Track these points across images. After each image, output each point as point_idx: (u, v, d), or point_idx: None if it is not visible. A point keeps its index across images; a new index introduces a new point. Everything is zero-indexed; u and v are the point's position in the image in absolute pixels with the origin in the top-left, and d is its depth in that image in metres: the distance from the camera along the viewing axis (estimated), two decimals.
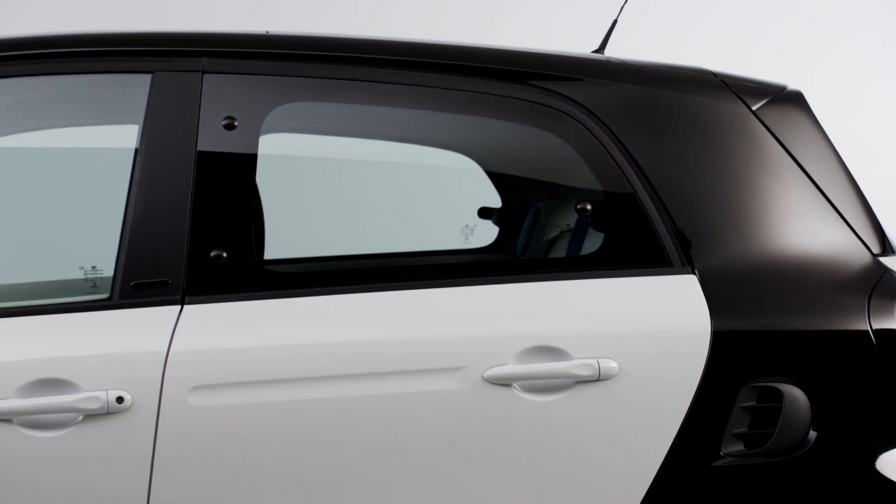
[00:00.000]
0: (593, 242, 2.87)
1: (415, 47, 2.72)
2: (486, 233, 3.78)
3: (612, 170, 2.62)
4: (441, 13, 5.97)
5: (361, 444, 2.43)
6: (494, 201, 3.72)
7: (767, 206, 2.62)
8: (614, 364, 2.48)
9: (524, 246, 3.48)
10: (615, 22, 3.26)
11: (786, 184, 2.65)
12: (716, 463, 2.49)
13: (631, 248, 2.58)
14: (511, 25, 5.95)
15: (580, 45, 3.32)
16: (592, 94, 2.66)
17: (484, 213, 3.79)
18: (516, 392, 2.47)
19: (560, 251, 3.23)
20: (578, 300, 2.53)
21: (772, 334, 2.52)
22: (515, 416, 2.46)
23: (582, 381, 2.47)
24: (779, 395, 2.49)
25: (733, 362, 2.49)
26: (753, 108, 2.71)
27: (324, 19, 5.76)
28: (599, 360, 2.47)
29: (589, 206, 2.65)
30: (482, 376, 2.46)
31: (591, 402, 2.47)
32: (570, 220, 3.23)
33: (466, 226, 3.91)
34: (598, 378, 2.47)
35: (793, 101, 2.77)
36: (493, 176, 3.65)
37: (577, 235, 3.02)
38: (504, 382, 2.46)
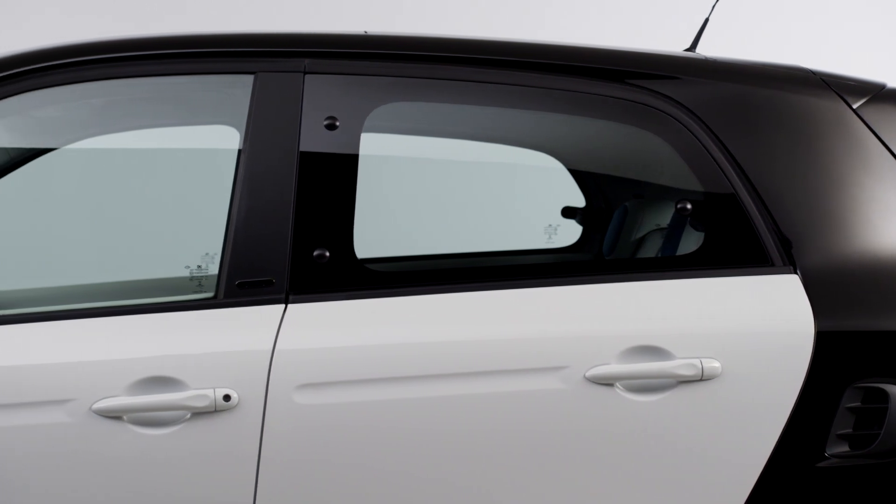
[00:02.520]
0: (688, 242, 2.86)
1: (515, 47, 2.72)
2: (569, 232, 3.78)
3: (712, 169, 2.60)
4: (525, 13, 5.96)
5: (464, 443, 2.44)
6: (576, 200, 3.71)
7: (869, 204, 2.60)
8: (717, 364, 2.46)
9: (611, 245, 3.46)
10: (706, 21, 3.24)
11: (888, 182, 2.63)
12: (820, 464, 2.47)
13: (732, 248, 2.57)
14: (589, 25, 5.93)
15: (660, 44, 3.29)
16: (692, 93, 2.65)
17: (568, 212, 3.78)
18: (619, 392, 2.46)
19: (650, 251, 3.22)
20: (680, 300, 2.52)
21: (876, 335, 2.50)
22: (618, 415, 2.46)
23: (684, 381, 2.46)
24: (884, 395, 2.47)
25: (837, 363, 2.47)
26: (854, 106, 2.68)
27: (417, 18, 5.77)
28: (702, 360, 2.46)
29: (689, 206, 2.64)
30: (584, 376, 2.46)
31: (693, 402, 2.46)
32: (662, 219, 3.21)
33: (549, 225, 3.91)
34: (701, 378, 2.46)
35: (894, 98, 2.74)
36: (579, 175, 3.64)
37: (673, 235, 3.00)
38: (606, 382, 2.46)
